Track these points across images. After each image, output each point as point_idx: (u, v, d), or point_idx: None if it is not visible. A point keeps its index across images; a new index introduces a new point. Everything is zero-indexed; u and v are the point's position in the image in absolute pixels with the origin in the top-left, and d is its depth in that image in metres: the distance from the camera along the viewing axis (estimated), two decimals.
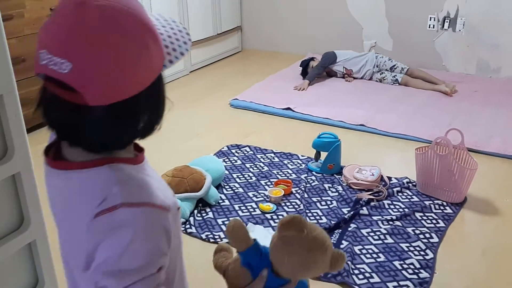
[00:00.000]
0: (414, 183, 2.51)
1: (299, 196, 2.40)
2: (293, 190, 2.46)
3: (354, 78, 4.08)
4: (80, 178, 0.74)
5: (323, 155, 2.66)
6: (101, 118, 0.69)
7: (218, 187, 2.50)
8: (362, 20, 4.62)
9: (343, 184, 2.53)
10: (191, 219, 2.22)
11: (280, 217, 2.24)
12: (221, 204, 2.36)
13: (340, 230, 2.14)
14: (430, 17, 4.25)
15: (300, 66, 4.15)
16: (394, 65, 3.92)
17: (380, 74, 3.98)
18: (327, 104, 3.51)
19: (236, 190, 2.48)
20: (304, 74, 4.12)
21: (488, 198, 2.39)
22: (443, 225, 2.18)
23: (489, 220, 2.22)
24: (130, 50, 0.67)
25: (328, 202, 2.36)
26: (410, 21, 4.35)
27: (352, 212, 2.24)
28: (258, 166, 2.74)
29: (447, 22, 4.18)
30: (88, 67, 0.65)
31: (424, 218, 2.23)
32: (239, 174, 2.66)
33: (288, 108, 3.46)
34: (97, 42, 0.65)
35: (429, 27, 4.29)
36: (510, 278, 1.87)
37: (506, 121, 3.18)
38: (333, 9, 4.70)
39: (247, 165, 2.75)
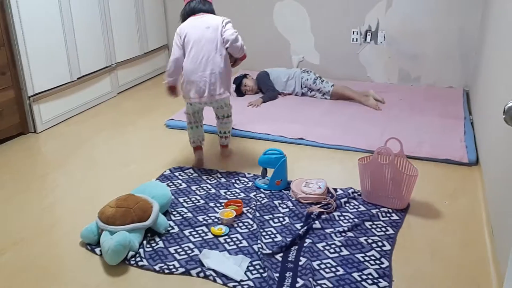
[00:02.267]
0: (359, 193, 2.58)
1: (251, 216, 2.36)
2: (244, 209, 2.42)
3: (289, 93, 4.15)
4: None
5: (270, 171, 2.65)
6: None
7: (166, 213, 2.39)
8: (289, 36, 4.73)
9: (292, 199, 2.53)
10: (141, 251, 2.09)
11: (235, 239, 2.19)
12: (171, 231, 2.26)
13: (297, 247, 2.13)
14: (353, 31, 4.45)
15: (234, 83, 4.13)
16: (319, 88, 4.01)
17: (310, 92, 4.07)
18: (266, 120, 3.53)
19: (184, 215, 2.38)
20: (237, 92, 4.11)
21: (429, 202, 2.51)
22: (393, 232, 2.24)
23: (433, 223, 2.33)
24: None
25: (281, 219, 2.35)
26: (334, 35, 4.52)
27: (305, 227, 2.24)
28: (204, 188, 2.66)
29: (369, 35, 4.40)
30: None
31: (374, 226, 2.29)
32: (186, 198, 2.56)
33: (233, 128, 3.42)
34: None
35: (353, 41, 4.49)
36: (461, 276, 1.96)
37: (431, 127, 3.38)
38: (261, 25, 4.76)
39: (193, 188, 2.66)
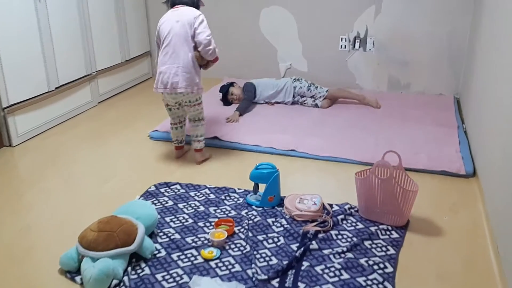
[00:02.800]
0: (355, 209, 2.45)
1: (243, 236, 2.22)
2: (236, 229, 2.27)
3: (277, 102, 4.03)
4: None
5: (262, 186, 2.51)
6: None
7: (152, 235, 2.23)
8: (276, 43, 4.61)
9: (286, 216, 2.39)
10: (126, 279, 1.93)
11: (227, 263, 2.04)
12: (157, 256, 2.09)
13: (294, 271, 1.99)
14: (342, 38, 4.36)
15: (220, 91, 3.99)
16: (313, 95, 3.91)
17: (301, 97, 3.95)
18: (254, 131, 3.39)
19: (172, 237, 2.22)
20: (224, 100, 3.97)
21: (428, 217, 2.40)
22: (394, 251, 2.12)
23: (435, 241, 2.22)
24: None
25: (275, 239, 2.21)
26: (322, 42, 4.42)
27: (302, 248, 2.10)
28: (192, 205, 2.51)
29: (357, 42, 4.31)
30: None
31: (374, 246, 2.16)
32: (173, 216, 2.40)
33: (215, 137, 3.28)
34: None
35: (341, 48, 4.39)
36: None
37: (425, 136, 3.29)
38: (247, 32, 4.63)
39: (180, 206, 2.50)
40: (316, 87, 3.90)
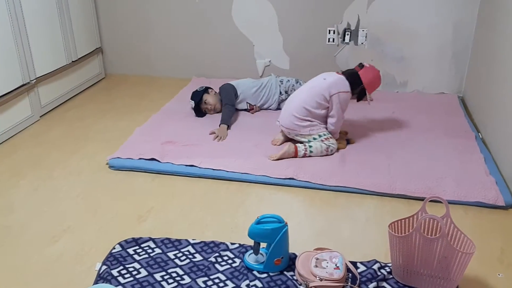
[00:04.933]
0: (387, 269, 1.91)
1: None
2: None
3: (260, 108, 3.41)
4: None
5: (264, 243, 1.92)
6: None
7: None
8: (252, 36, 3.95)
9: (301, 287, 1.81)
10: None
11: None
12: None
13: None
14: (329, 30, 3.76)
15: (192, 99, 3.31)
16: None
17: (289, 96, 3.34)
18: (240, 151, 2.77)
19: None
20: (197, 111, 3.31)
21: (477, 275, 1.89)
22: None
23: None
24: None
25: None
26: (307, 35, 3.81)
27: None
28: (174, 275, 1.87)
29: (347, 34, 3.73)
30: None
31: None
32: None
33: (193, 165, 2.63)
34: None
35: (329, 41, 3.80)
36: None
37: (443, 152, 2.78)
38: (218, 23, 3.95)
39: (158, 277, 1.86)
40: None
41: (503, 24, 2.83)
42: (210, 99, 3.29)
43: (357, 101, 2.90)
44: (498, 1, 2.98)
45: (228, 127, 3.07)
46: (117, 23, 4.16)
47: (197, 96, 3.28)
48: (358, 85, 2.79)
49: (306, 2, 3.73)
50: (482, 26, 3.33)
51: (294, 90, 3.24)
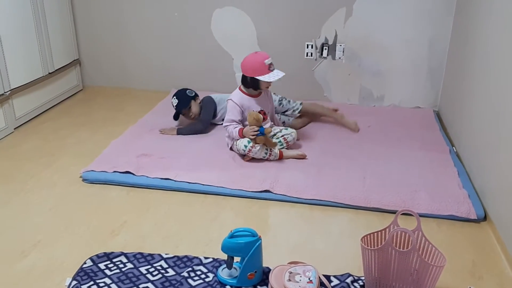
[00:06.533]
0: (360, 282, 1.91)
1: None
2: None
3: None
4: None
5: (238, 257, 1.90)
6: None
7: None
8: (231, 49, 3.97)
9: None
10: None
11: None
12: None
13: None
14: (307, 45, 3.80)
15: (178, 100, 3.24)
16: (287, 110, 3.31)
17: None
18: (217, 165, 2.76)
19: None
20: (176, 113, 3.29)
21: (449, 287, 1.90)
22: None
23: None
24: None
25: None
26: (286, 49, 3.84)
27: None
28: None
29: (325, 49, 3.77)
30: None
31: None
32: None
33: (168, 178, 2.61)
34: None
35: (307, 56, 3.83)
36: None
37: (419, 165, 2.81)
38: (197, 36, 3.96)
39: None
40: (289, 101, 3.31)
41: (474, 40, 2.90)
42: (194, 107, 3.26)
43: (255, 90, 2.91)
44: (470, 18, 3.06)
45: (178, 134, 3.19)
46: (96, 34, 4.14)
47: (187, 102, 3.23)
48: (245, 78, 2.87)
49: (285, 17, 3.77)
50: (456, 42, 3.41)
51: (278, 109, 3.26)
